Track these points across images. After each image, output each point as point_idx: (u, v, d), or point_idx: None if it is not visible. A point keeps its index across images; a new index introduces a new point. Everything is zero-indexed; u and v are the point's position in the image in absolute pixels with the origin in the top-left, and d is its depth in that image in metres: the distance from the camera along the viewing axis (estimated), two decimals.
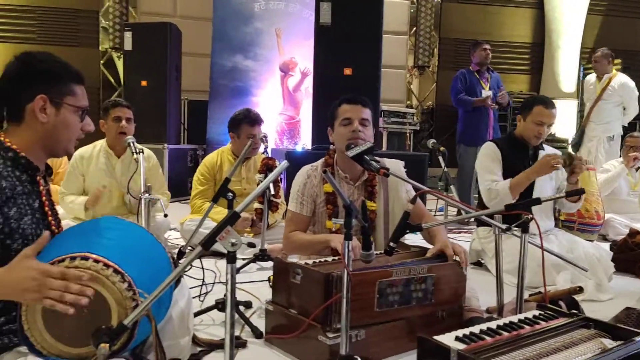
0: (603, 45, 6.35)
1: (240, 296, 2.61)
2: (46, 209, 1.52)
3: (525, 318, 1.62)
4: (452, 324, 2.05)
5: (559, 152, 3.39)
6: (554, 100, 3.28)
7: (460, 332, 1.45)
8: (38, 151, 1.49)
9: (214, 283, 2.79)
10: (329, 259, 2.20)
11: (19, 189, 1.42)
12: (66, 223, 1.96)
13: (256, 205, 3.28)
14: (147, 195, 2.71)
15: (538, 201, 1.84)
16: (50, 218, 1.53)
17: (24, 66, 1.46)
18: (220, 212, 3.37)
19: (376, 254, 1.84)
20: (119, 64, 7.96)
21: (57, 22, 7.94)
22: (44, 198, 1.51)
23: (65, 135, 1.51)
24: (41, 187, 1.51)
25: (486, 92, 5.38)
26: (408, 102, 8.82)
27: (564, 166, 3.01)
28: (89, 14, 8.03)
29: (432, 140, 5.11)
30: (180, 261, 2.26)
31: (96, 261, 1.30)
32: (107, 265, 1.31)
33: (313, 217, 2.48)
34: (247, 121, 3.70)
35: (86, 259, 1.30)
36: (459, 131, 5.67)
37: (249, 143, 2.93)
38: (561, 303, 2.24)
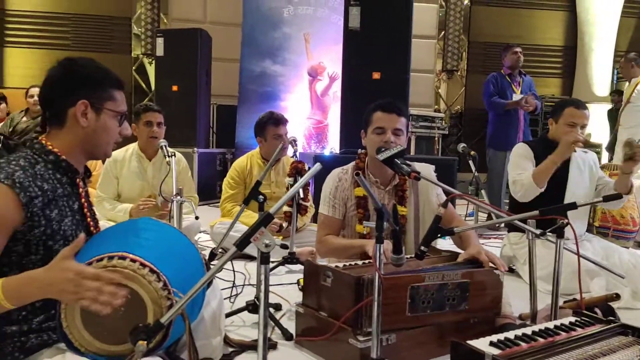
0: (638, 49, 6.22)
1: (270, 298, 2.62)
2: (85, 210, 1.56)
3: (561, 324, 1.59)
4: (484, 329, 2.02)
5: (593, 154, 3.33)
6: (587, 104, 3.22)
7: (494, 337, 1.43)
8: (78, 154, 1.52)
9: (243, 285, 2.82)
10: (360, 262, 2.19)
11: (59, 191, 1.45)
12: (102, 224, 2.01)
13: (285, 208, 3.29)
14: (179, 197, 2.75)
15: (574, 206, 1.80)
16: (89, 219, 1.57)
17: (66, 71, 1.50)
18: (249, 215, 3.40)
19: (407, 258, 1.83)
20: (150, 70, 8.12)
21: (91, 29, 8.15)
22: (83, 200, 1.55)
23: (104, 139, 1.54)
24: (80, 189, 1.55)
25: (517, 96, 5.29)
26: (436, 107, 8.76)
27: (585, 144, 2.93)
28: (121, 21, 8.22)
29: (462, 145, 5.04)
30: (212, 263, 2.29)
31: (133, 261, 1.33)
32: (143, 265, 1.33)
33: (343, 220, 2.48)
34: (271, 122, 3.73)
35: (123, 258, 1.33)
36: (488, 135, 5.58)
37: (280, 146, 2.95)
38: (597, 310, 2.19)
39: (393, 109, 2.39)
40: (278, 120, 3.73)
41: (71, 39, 8.10)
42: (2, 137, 2.96)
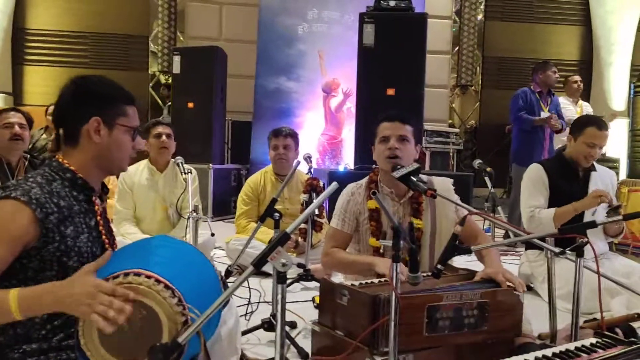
0: None
1: (285, 316, 2.61)
2: (101, 228, 1.56)
3: (582, 346, 1.56)
4: (502, 349, 1.97)
5: (611, 172, 3.29)
6: (603, 119, 3.20)
7: None
8: (94, 171, 1.53)
9: (259, 302, 2.81)
10: (376, 280, 2.17)
11: (76, 208, 1.47)
12: (119, 240, 2.02)
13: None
14: (195, 214, 2.77)
15: (594, 224, 1.78)
16: (104, 237, 1.58)
17: (78, 89, 1.52)
18: (264, 232, 3.40)
19: (423, 275, 1.80)
20: None
21: (109, 47, 8.30)
22: (99, 217, 1.56)
23: (118, 154, 1.55)
24: (97, 207, 1.56)
25: (545, 114, 5.21)
26: (450, 122, 8.74)
27: (610, 205, 2.93)
28: (139, 39, 8.36)
29: (478, 161, 4.98)
30: (228, 280, 2.29)
31: (148, 277, 1.33)
32: (158, 281, 1.33)
33: (357, 234, 2.47)
34: (272, 134, 3.81)
35: (139, 275, 1.33)
36: (513, 150, 5.44)
37: (295, 164, 2.95)
38: (618, 330, 2.15)
39: (396, 117, 2.39)
40: (278, 132, 3.80)
41: (90, 57, 8.25)
42: (28, 156, 3.03)
